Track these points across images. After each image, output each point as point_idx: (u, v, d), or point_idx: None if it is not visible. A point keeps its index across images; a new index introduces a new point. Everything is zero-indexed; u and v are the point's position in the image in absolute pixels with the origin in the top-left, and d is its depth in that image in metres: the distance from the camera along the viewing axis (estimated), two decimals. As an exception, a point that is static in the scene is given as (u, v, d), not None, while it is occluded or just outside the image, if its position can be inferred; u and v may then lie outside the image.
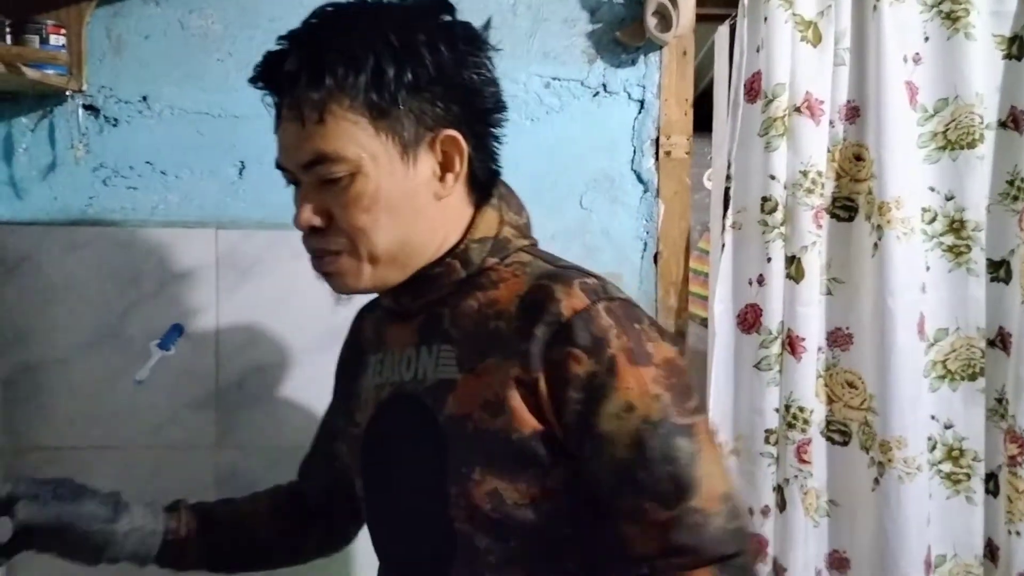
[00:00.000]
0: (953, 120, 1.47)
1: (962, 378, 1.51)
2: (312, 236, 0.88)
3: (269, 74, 0.86)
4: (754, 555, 0.84)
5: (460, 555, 0.87)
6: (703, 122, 1.56)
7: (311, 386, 1.44)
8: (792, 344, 1.45)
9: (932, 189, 1.48)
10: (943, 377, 1.51)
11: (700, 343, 1.57)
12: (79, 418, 1.42)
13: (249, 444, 1.46)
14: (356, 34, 0.84)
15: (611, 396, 0.80)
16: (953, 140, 1.48)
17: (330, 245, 0.87)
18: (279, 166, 0.89)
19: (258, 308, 1.44)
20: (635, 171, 1.50)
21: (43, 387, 1.41)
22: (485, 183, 0.92)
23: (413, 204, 0.86)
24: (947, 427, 1.51)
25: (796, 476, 1.45)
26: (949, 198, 1.48)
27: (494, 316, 0.86)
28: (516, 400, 0.82)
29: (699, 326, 1.85)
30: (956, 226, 1.48)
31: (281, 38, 0.86)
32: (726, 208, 1.50)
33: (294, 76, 0.83)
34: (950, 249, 1.49)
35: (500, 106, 0.92)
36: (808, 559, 1.48)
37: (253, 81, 0.87)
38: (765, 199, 1.44)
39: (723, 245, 1.48)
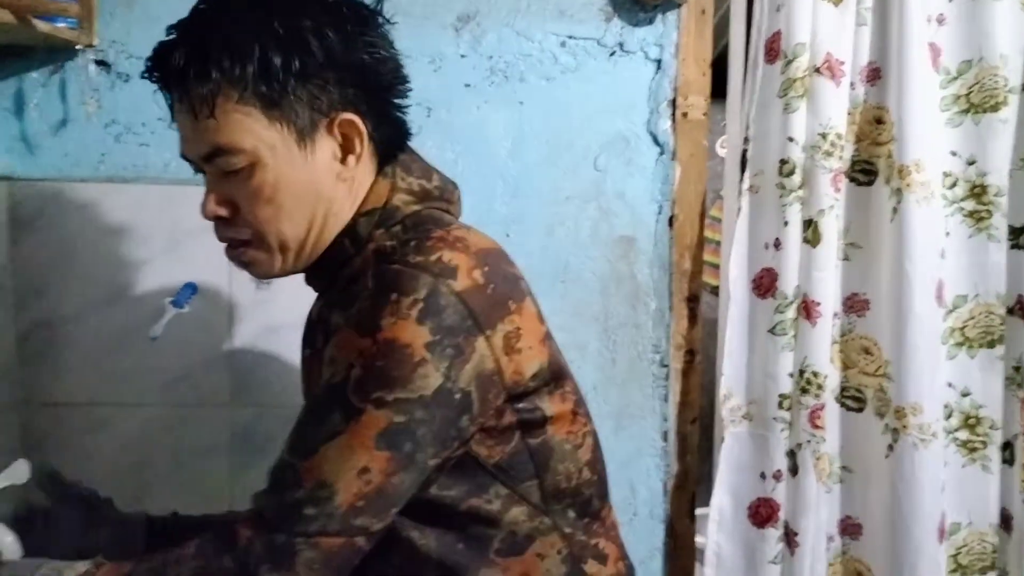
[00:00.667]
0: (976, 83, 1.44)
1: (980, 345, 1.49)
2: (220, 226, 0.90)
3: (158, 68, 0.87)
4: (308, 551, 0.79)
5: None
6: (717, 89, 1.54)
7: (324, 345, 1.45)
8: (807, 309, 1.43)
9: (954, 153, 1.46)
10: (961, 344, 1.49)
11: (710, 311, 1.56)
12: (94, 375, 1.43)
13: (263, 403, 1.46)
14: (241, 24, 0.84)
15: (329, 346, 0.82)
16: (976, 103, 1.45)
17: (238, 235, 0.90)
18: (183, 156, 0.91)
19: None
20: (651, 133, 1.48)
21: (58, 343, 1.42)
22: (389, 154, 0.93)
23: (316, 189, 0.88)
24: (964, 395, 1.49)
25: (809, 441, 1.44)
26: (971, 162, 1.45)
27: (339, 302, 0.88)
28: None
29: (709, 294, 1.84)
30: (977, 191, 1.46)
31: (171, 27, 0.86)
32: (743, 171, 1.48)
33: (182, 71, 0.84)
34: (971, 214, 1.46)
35: (399, 79, 0.92)
36: (820, 524, 1.47)
37: (146, 74, 0.88)
38: (783, 162, 1.41)
39: (739, 208, 1.46)
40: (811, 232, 1.42)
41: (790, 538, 1.47)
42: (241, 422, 1.47)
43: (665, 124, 1.48)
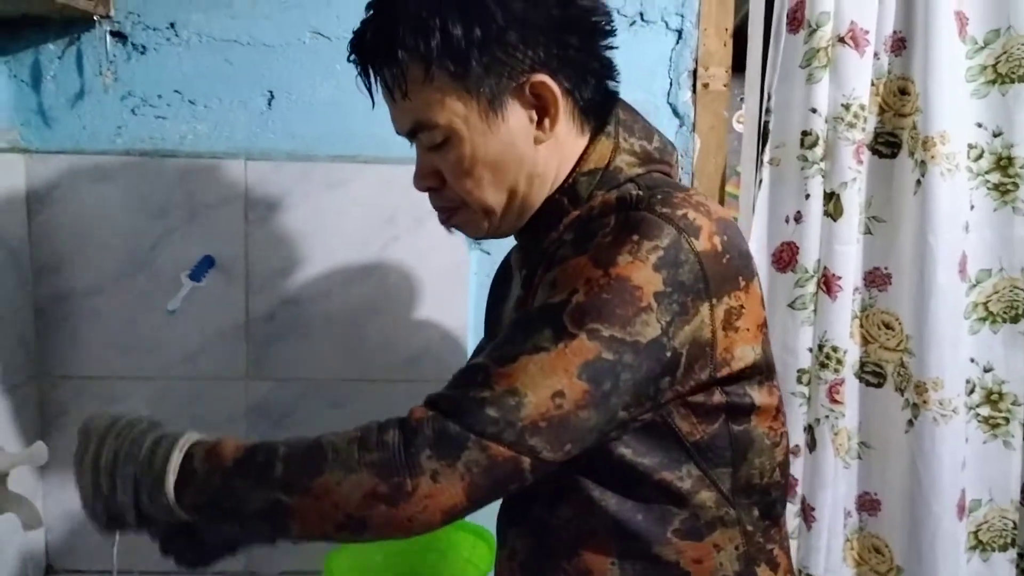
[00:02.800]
0: (1004, 53, 1.41)
1: (1004, 320, 1.47)
2: (431, 196, 0.93)
3: (354, 51, 0.89)
4: (477, 451, 0.75)
5: None
6: (734, 62, 1.51)
7: (341, 318, 1.45)
8: (828, 283, 1.41)
9: (979, 125, 1.43)
10: (984, 319, 1.47)
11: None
12: (111, 348, 1.43)
13: (280, 375, 1.46)
14: None
15: (554, 269, 0.81)
16: (1003, 74, 1.41)
17: (445, 203, 0.92)
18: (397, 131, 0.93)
19: (288, 240, 1.43)
20: (671, 104, 1.46)
21: (75, 316, 1.42)
22: (599, 109, 0.90)
23: (513, 155, 0.87)
24: (986, 370, 1.47)
25: (827, 416, 1.43)
26: (997, 134, 1.43)
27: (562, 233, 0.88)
28: None
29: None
30: (1003, 163, 1.43)
31: (368, 6, 0.88)
32: (763, 144, 1.46)
33: (372, 52, 0.87)
34: (996, 187, 1.44)
35: (597, 28, 0.89)
36: (837, 500, 1.47)
37: (349, 59, 0.90)
38: (805, 133, 1.39)
39: (760, 181, 1.44)
40: (832, 205, 1.40)
41: (807, 513, 1.46)
42: (257, 395, 1.47)
43: (685, 95, 1.46)
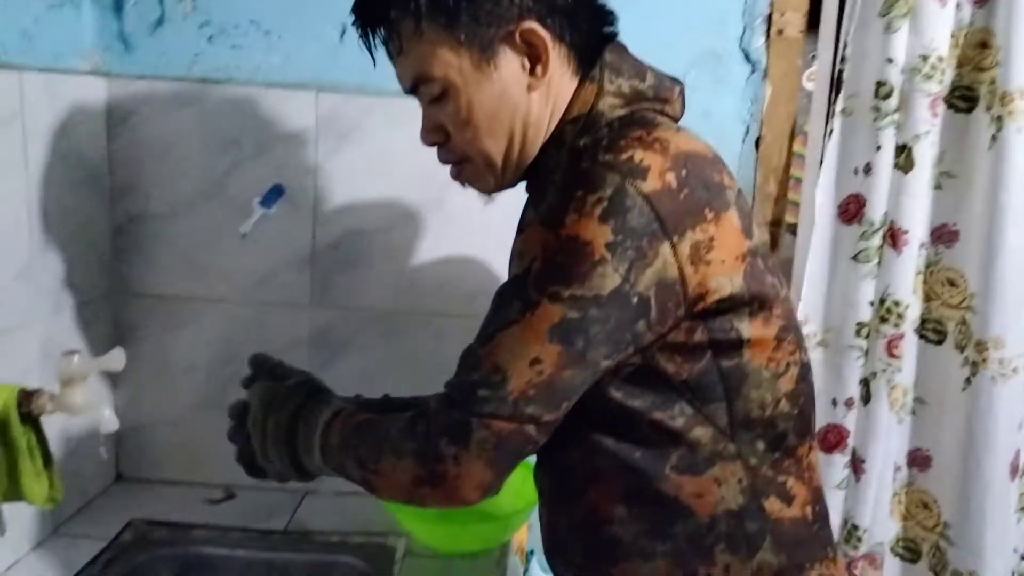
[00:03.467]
0: (1094, 6, 1.36)
1: (1074, 283, 1.44)
2: (438, 150, 0.97)
3: (354, 12, 0.94)
4: (482, 430, 0.80)
5: None
6: (812, 18, 1.48)
7: (406, 251, 1.47)
8: (894, 237, 1.40)
9: (1062, 81, 1.39)
10: (1053, 281, 1.44)
11: (786, 251, 1.53)
12: (183, 269, 1.48)
13: (343, 305, 1.50)
14: None
15: (517, 238, 0.88)
16: (1091, 28, 1.37)
17: (451, 156, 0.95)
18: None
19: (356, 173, 1.46)
20: (743, 50, 1.44)
21: (149, 237, 1.47)
22: (593, 54, 0.91)
23: (508, 104, 0.89)
24: (1050, 333, 1.45)
25: (884, 371, 1.43)
26: (1080, 91, 1.39)
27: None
28: None
29: (787, 233, 1.79)
30: (1084, 121, 1.39)
31: None
32: (836, 95, 1.43)
33: (367, 13, 0.92)
34: (1075, 146, 1.40)
35: None
36: (888, 454, 1.47)
37: (353, 22, 0.95)
38: (880, 84, 1.37)
39: (830, 132, 1.42)
40: (904, 158, 1.38)
41: (856, 465, 1.47)
42: (321, 323, 1.51)
43: (758, 41, 1.43)
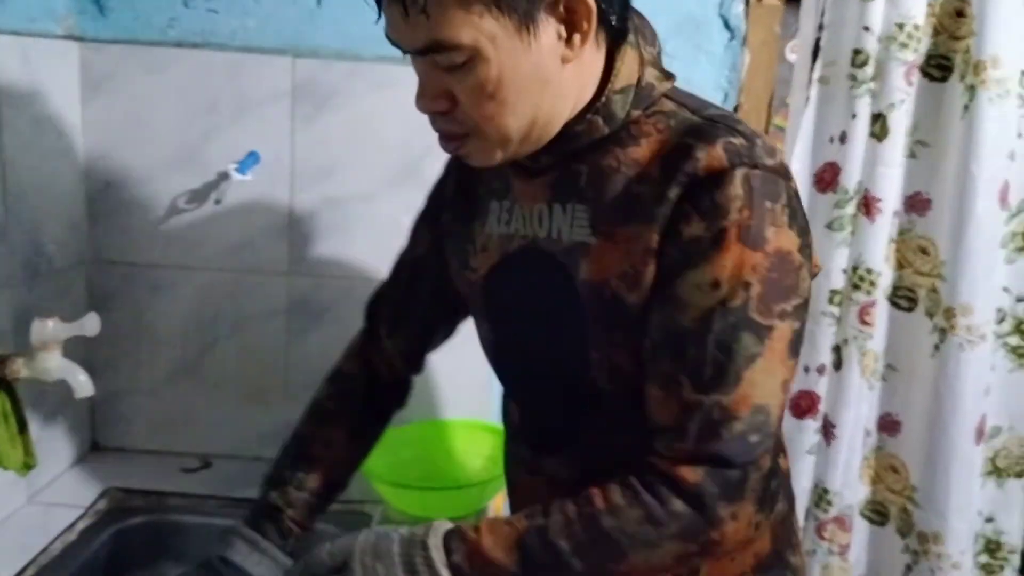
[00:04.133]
0: (1067, -22, 1.38)
1: (1042, 251, 1.47)
2: (437, 118, 0.83)
3: None
4: (755, 473, 0.78)
5: (596, 406, 0.89)
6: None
7: (383, 220, 1.47)
8: (868, 205, 1.42)
9: (1035, 50, 1.41)
10: (1022, 249, 1.47)
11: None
12: (159, 236, 1.47)
13: (320, 273, 1.50)
14: None
15: (702, 267, 0.76)
16: (1064, -1, 1.39)
17: (457, 128, 0.82)
18: (388, 37, 0.81)
19: (334, 139, 1.45)
20: (723, 16, 1.43)
21: (125, 204, 1.46)
22: (618, 17, 0.82)
23: (540, 76, 0.79)
24: (1019, 300, 1.48)
25: (856, 337, 1.46)
26: (1053, 60, 1.41)
27: (635, 179, 0.81)
28: (651, 273, 0.79)
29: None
30: (1056, 91, 1.41)
31: None
32: (814, 63, 1.44)
33: None
34: (1047, 115, 1.43)
35: None
36: (859, 419, 1.50)
37: None
38: (857, 52, 1.38)
39: (807, 99, 1.44)
40: (879, 126, 1.40)
41: (827, 430, 1.50)
42: (298, 290, 1.51)
43: (738, 8, 1.43)
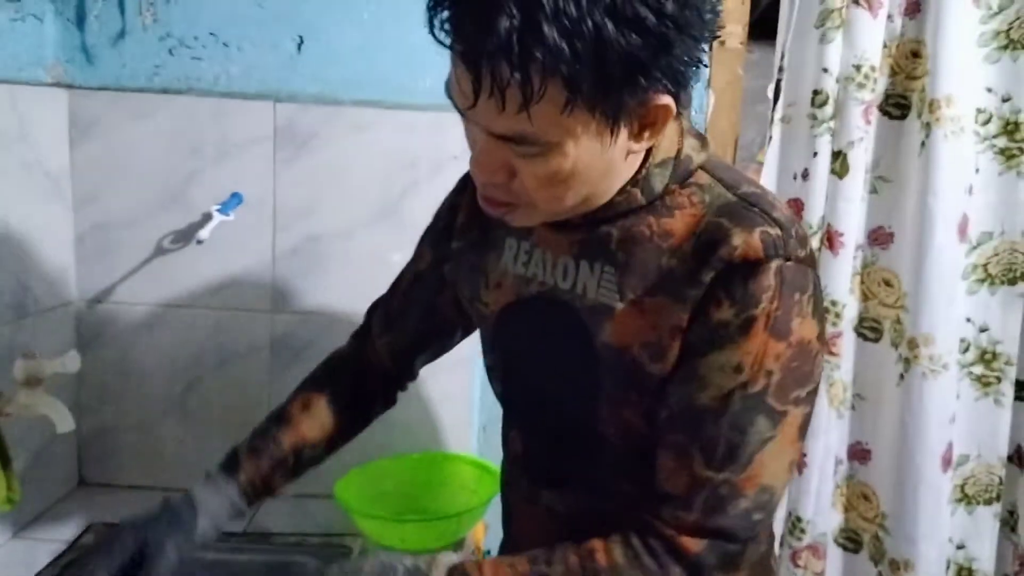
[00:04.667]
0: (1017, 18, 1.44)
1: (1002, 282, 1.51)
2: (488, 187, 0.82)
3: (463, 31, 0.70)
4: (753, 546, 0.84)
5: (600, 451, 0.92)
6: (770, 31, 1.54)
7: (364, 257, 1.51)
8: (831, 239, 1.47)
9: (989, 90, 1.46)
10: (983, 280, 1.51)
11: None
12: (145, 277, 1.51)
13: (303, 310, 1.54)
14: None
15: (728, 350, 0.78)
16: (1016, 39, 1.44)
17: (509, 198, 0.82)
18: (450, 98, 0.77)
19: (314, 180, 1.50)
20: (687, 60, 1.49)
21: (111, 245, 1.50)
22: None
23: (607, 168, 0.80)
24: (982, 330, 1.52)
25: (824, 368, 1.49)
26: (1006, 99, 1.46)
27: (668, 252, 0.82)
28: (676, 348, 0.81)
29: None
30: (1010, 128, 1.46)
31: None
32: (775, 103, 1.50)
33: (502, 51, 0.67)
34: (1002, 152, 1.48)
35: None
36: (829, 448, 1.53)
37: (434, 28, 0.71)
38: (816, 92, 1.43)
39: (770, 139, 1.49)
40: (839, 163, 1.45)
41: (799, 460, 1.53)
42: (281, 327, 1.55)
43: (701, 51, 1.49)
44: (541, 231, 0.92)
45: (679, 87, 0.75)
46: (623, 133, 0.77)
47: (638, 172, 0.83)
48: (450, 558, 0.87)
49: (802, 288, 0.79)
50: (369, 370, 1.15)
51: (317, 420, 1.10)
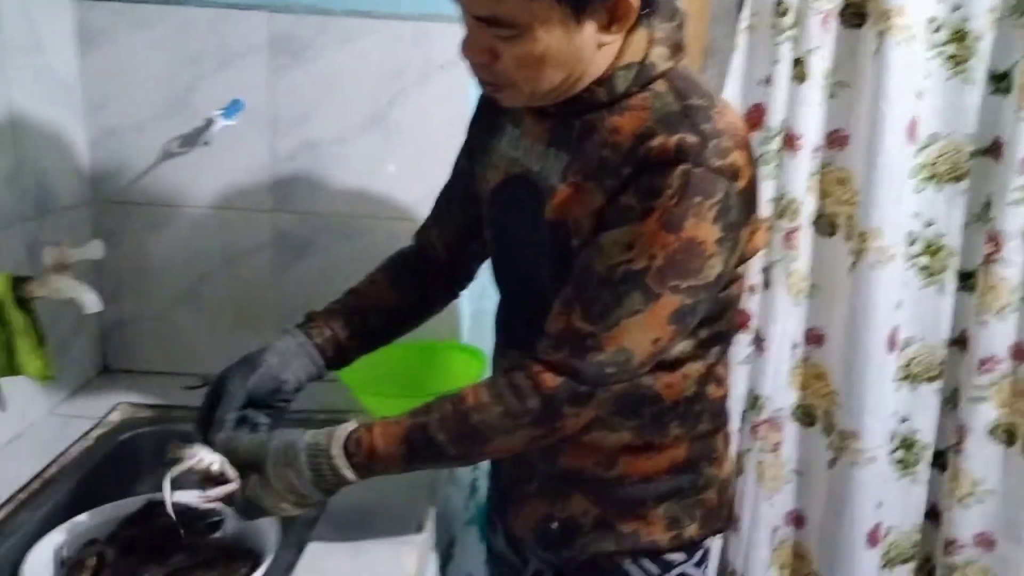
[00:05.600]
0: (969, -67, 1.52)
1: (947, 180, 1.64)
2: (478, 68, 0.96)
3: None
4: (604, 393, 0.95)
5: (547, 313, 1.02)
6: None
7: (357, 161, 1.61)
8: (790, 141, 1.58)
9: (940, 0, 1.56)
10: (930, 179, 1.64)
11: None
12: (155, 178, 1.62)
13: (302, 210, 1.65)
14: None
15: (625, 229, 0.91)
16: (966, -48, 1.53)
17: (494, 79, 0.95)
18: None
19: (309, 89, 1.58)
20: (658, -30, 1.57)
21: (123, 149, 1.60)
22: (644, 4, 0.92)
23: (577, 55, 0.91)
24: (928, 224, 1.66)
25: (782, 259, 1.63)
26: (955, 8, 1.56)
27: (611, 146, 0.94)
28: (592, 227, 0.94)
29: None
30: (959, 36, 1.57)
31: None
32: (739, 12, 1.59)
33: None
34: (951, 58, 1.58)
35: None
36: (786, 332, 1.68)
37: None
38: (778, 2, 1.53)
39: (735, 47, 1.58)
40: (799, 70, 1.55)
41: (759, 343, 1.68)
42: (282, 226, 1.66)
43: (671, -38, 1.57)
44: (528, 120, 1.05)
45: None
46: (591, 24, 0.89)
47: (605, 72, 0.94)
48: (346, 428, 1.01)
49: (706, 194, 0.88)
50: (427, 258, 1.29)
51: (379, 291, 1.26)
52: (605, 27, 0.90)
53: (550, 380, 0.95)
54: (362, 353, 1.26)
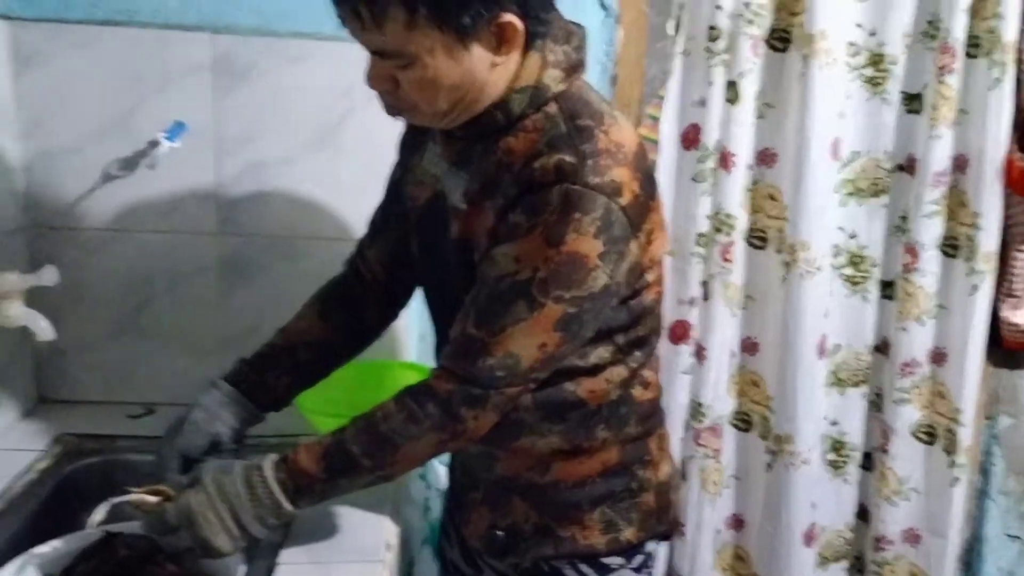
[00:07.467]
0: (883, -39, 1.63)
1: (868, 196, 1.75)
2: (382, 95, 1.02)
3: None
4: (497, 396, 1.01)
5: None
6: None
7: (304, 182, 1.61)
8: (725, 160, 1.66)
9: (859, 25, 1.66)
10: (852, 194, 1.74)
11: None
12: (93, 202, 1.58)
13: (247, 232, 1.63)
14: None
15: (514, 243, 0.97)
16: (880, -17, 1.64)
17: (397, 103, 1.01)
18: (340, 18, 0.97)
19: (253, 109, 1.57)
20: (599, -3, 1.64)
21: (60, 172, 1.56)
22: (532, 27, 0.97)
23: (469, 78, 0.96)
24: (851, 237, 1.76)
25: (719, 272, 1.71)
26: (872, 34, 1.67)
27: (505, 167, 1.00)
28: (488, 244, 1.01)
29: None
30: (876, 59, 1.68)
31: None
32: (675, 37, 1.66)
33: None
34: (869, 80, 1.69)
35: None
36: (725, 342, 1.75)
37: None
38: (712, 28, 1.60)
39: (672, 70, 1.66)
40: (732, 92, 1.63)
41: (700, 353, 1.75)
42: (227, 249, 1.64)
43: (611, -12, 1.63)
44: (440, 141, 1.10)
45: (526, 8, 0.93)
46: (478, 47, 0.94)
47: (503, 96, 0.99)
48: (275, 455, 1.07)
49: (584, 211, 0.94)
50: (360, 285, 1.31)
51: (307, 325, 1.28)
52: (495, 49, 0.95)
53: (445, 384, 1.01)
54: (301, 389, 1.29)
